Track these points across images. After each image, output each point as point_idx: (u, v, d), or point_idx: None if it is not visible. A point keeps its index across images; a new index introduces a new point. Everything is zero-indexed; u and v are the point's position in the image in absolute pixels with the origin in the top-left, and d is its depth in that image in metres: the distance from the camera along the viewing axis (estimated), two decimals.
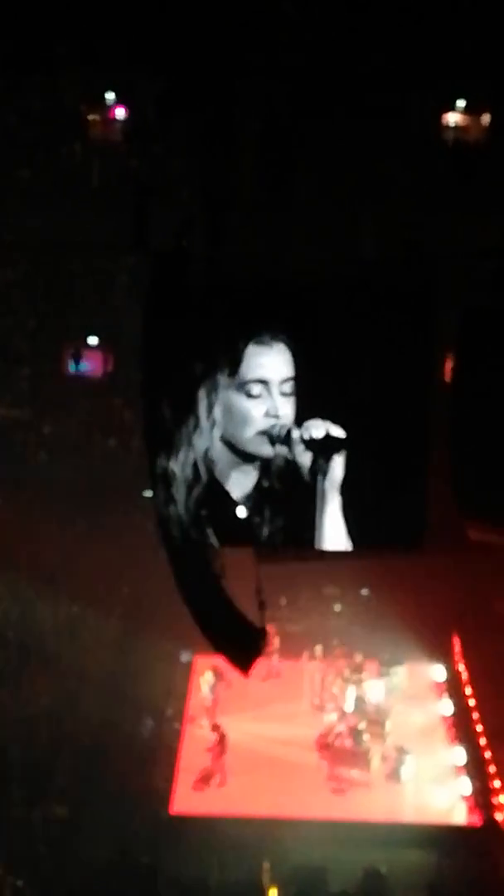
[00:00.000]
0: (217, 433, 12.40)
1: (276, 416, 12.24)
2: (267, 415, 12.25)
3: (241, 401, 12.27)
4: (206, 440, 12.49)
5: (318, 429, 12.09)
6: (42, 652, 25.72)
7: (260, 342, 12.21)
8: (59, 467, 28.90)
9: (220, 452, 12.50)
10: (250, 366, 12.20)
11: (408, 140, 23.35)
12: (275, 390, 12.22)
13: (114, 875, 19.41)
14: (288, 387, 12.25)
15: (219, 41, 22.86)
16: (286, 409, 12.25)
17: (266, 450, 12.38)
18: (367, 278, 12.67)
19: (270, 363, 12.18)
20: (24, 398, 30.08)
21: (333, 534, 12.59)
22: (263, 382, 12.19)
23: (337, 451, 12.11)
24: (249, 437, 12.36)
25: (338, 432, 12.04)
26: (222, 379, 12.21)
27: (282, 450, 12.27)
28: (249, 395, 12.18)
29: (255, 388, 12.18)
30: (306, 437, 12.12)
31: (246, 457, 12.45)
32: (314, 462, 12.25)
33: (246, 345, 12.11)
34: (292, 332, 12.21)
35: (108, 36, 26.83)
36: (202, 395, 12.23)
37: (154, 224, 22.97)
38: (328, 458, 12.20)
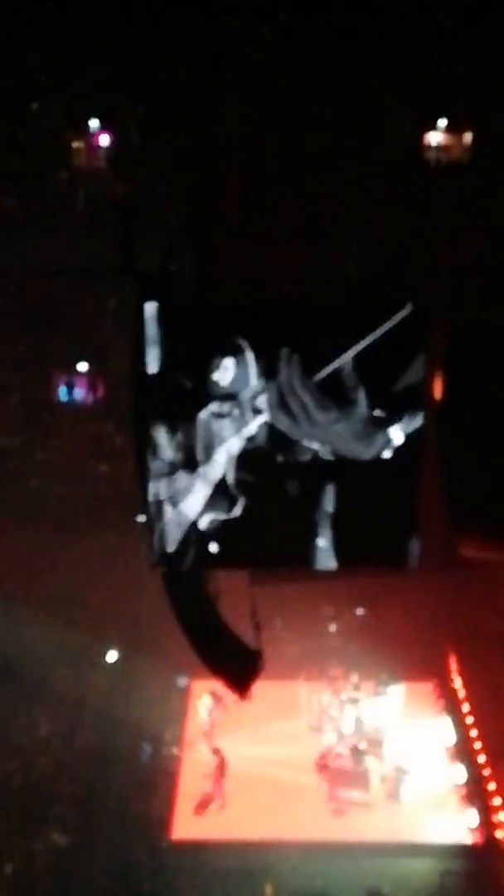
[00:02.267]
0: (216, 458, 12.44)
1: (248, 436, 12.28)
2: (238, 433, 12.28)
3: (212, 421, 12.31)
4: (203, 464, 12.52)
5: (317, 452, 12.15)
6: (39, 679, 25.63)
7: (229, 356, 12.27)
8: (52, 494, 28.85)
9: (209, 477, 12.53)
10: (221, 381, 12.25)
11: (391, 159, 23.45)
12: (246, 406, 12.26)
13: None
14: (261, 402, 12.29)
15: (200, 65, 22.96)
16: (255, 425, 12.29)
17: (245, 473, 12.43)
18: (353, 298, 12.74)
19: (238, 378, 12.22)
20: (16, 426, 30.04)
21: (326, 554, 12.62)
22: (233, 398, 12.24)
23: (337, 473, 12.17)
24: (223, 460, 12.39)
25: (326, 454, 12.09)
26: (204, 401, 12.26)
27: (278, 475, 12.33)
28: (219, 416, 12.22)
29: (225, 406, 12.23)
30: (304, 460, 12.18)
31: (241, 485, 12.50)
32: (313, 485, 12.31)
33: (221, 360, 12.15)
34: (279, 352, 12.25)
35: (89, 62, 26.91)
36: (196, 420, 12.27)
37: (141, 249, 23.05)
38: (327, 481, 12.26)
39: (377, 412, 12.30)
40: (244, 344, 12.15)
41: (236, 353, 12.16)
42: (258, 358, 12.26)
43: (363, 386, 12.31)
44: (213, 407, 12.32)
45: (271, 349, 12.25)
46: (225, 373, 12.23)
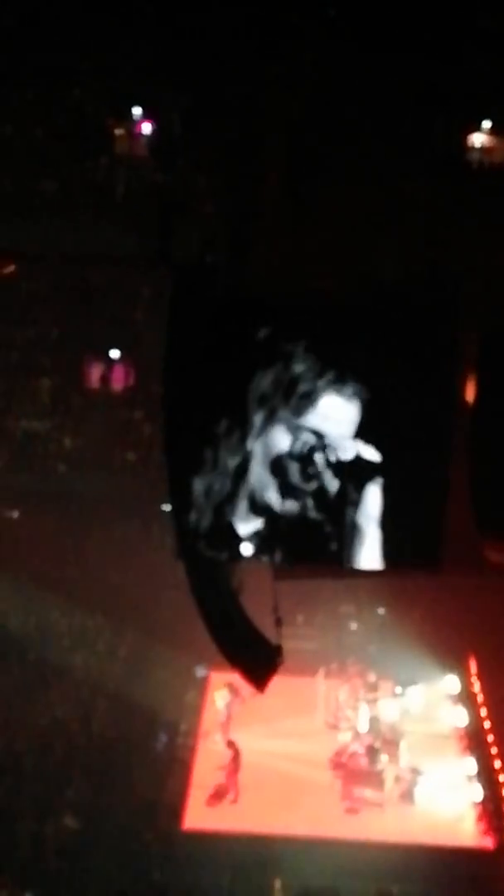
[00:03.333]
0: (249, 453, 12.45)
1: (305, 441, 12.30)
2: (294, 439, 12.31)
3: (260, 421, 12.34)
4: (235, 458, 12.52)
5: (347, 451, 12.16)
6: (57, 665, 25.76)
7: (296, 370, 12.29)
8: (79, 480, 28.96)
9: (244, 470, 12.54)
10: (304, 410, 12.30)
11: (432, 160, 23.39)
12: (295, 409, 12.28)
13: (126, 889, 19.39)
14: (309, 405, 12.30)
15: (244, 57, 22.95)
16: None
17: (290, 476, 12.42)
18: (390, 298, 12.69)
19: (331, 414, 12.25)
20: (45, 411, 30.17)
21: (358, 553, 12.62)
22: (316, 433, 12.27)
23: (366, 472, 12.16)
24: (275, 461, 12.42)
25: (369, 454, 12.12)
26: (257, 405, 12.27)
27: (307, 473, 12.32)
28: (268, 417, 12.24)
29: (273, 407, 12.25)
30: (334, 459, 12.17)
31: (271, 480, 12.49)
32: (342, 484, 12.30)
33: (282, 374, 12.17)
34: (314, 352, 12.24)
35: (134, 51, 26.99)
36: (235, 415, 12.27)
37: (178, 238, 23.08)
38: (357, 480, 12.26)
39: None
40: (297, 348, 12.17)
41: (288, 356, 12.18)
42: (307, 363, 12.26)
43: (394, 388, 12.28)
44: (262, 407, 12.33)
45: (318, 355, 12.26)
46: (299, 380, 12.27)
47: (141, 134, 29.35)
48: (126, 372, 30.29)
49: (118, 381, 30.41)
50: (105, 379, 30.38)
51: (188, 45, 25.59)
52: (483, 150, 27.32)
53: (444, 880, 20.49)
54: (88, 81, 28.75)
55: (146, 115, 29.24)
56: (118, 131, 29.45)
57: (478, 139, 27.36)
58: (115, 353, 30.22)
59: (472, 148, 27.23)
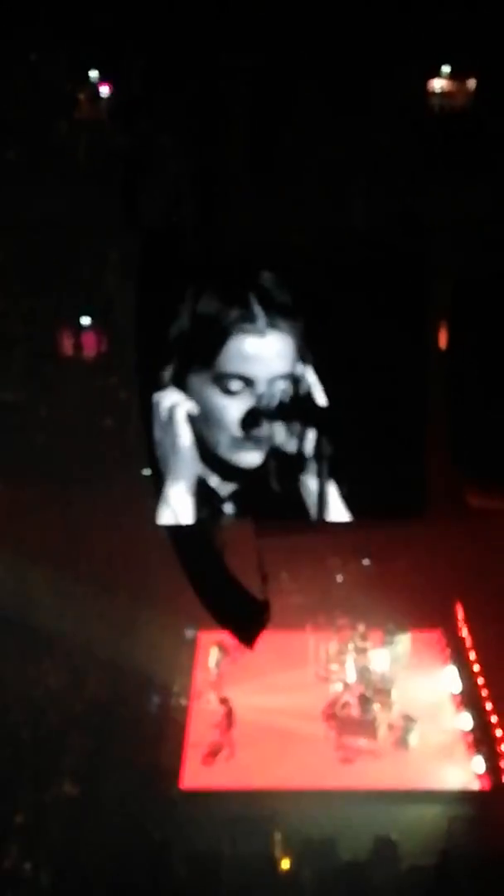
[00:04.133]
0: (226, 411, 12.37)
1: (259, 421, 12.21)
2: (249, 416, 12.20)
3: (217, 398, 12.24)
4: (211, 418, 12.45)
5: (325, 403, 12.11)
6: (47, 633, 25.74)
7: (249, 330, 12.16)
8: (57, 448, 28.84)
9: (221, 430, 12.48)
10: (232, 359, 12.15)
11: (395, 108, 23.21)
12: (262, 387, 12.16)
13: (126, 852, 19.49)
14: (281, 384, 12.21)
15: (202, 14, 22.67)
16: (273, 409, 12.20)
17: (247, 457, 12.36)
18: (360, 250, 12.61)
19: (261, 357, 12.10)
20: (20, 380, 29.98)
21: (340, 506, 12.60)
22: (246, 379, 12.13)
23: (344, 424, 12.13)
24: (225, 440, 12.33)
25: (348, 405, 12.09)
26: (198, 370, 12.16)
27: (286, 428, 12.26)
28: (228, 392, 12.13)
29: (235, 385, 12.13)
30: (313, 412, 12.13)
31: (249, 438, 12.42)
32: (321, 436, 12.25)
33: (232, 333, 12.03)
34: (284, 305, 12.15)
35: (90, 12, 26.62)
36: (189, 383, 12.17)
37: (144, 201, 22.88)
38: (335, 432, 12.21)
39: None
40: (268, 304, 12.04)
41: (261, 313, 12.06)
42: (280, 318, 12.15)
43: (369, 339, 12.21)
44: (236, 364, 12.22)
45: (277, 304, 12.13)
46: (272, 333, 12.13)
47: (100, 97, 29.00)
48: (98, 338, 30.09)
49: (91, 348, 30.22)
50: (78, 346, 30.18)
51: (143, 5, 25.25)
52: (444, 94, 27.10)
53: (442, 824, 20.68)
54: (44, 46, 28.35)
55: (104, 78, 28.88)
56: (77, 95, 29.10)
57: (438, 84, 27.14)
58: (86, 320, 30.01)
59: (433, 93, 27.01)
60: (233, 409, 12.41)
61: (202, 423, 12.43)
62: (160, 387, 12.46)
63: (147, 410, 12.65)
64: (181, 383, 12.36)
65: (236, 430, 12.40)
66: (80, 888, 18.80)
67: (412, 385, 12.37)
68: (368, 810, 20.93)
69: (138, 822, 20.42)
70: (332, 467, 12.60)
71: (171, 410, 12.43)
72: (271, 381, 12.23)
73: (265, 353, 12.21)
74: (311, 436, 12.44)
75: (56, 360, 30.24)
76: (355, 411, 12.32)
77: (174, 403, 12.39)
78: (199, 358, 12.31)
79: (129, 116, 27.98)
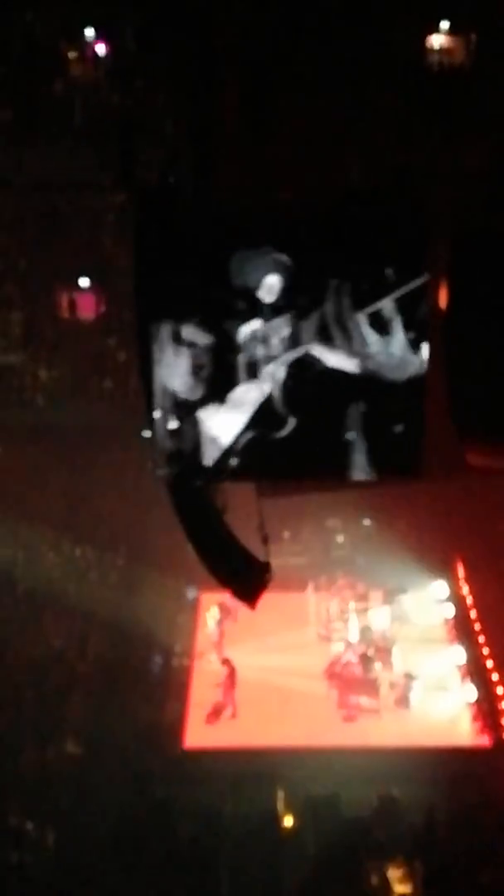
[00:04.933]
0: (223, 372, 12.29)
1: (280, 354, 12.13)
2: (254, 337, 12.13)
3: (256, 340, 12.16)
4: (210, 378, 12.37)
5: (323, 362, 12.04)
6: (50, 595, 25.81)
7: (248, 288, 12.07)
8: (58, 411, 28.78)
9: (220, 390, 12.41)
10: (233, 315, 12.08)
11: (393, 64, 22.95)
12: (264, 344, 12.10)
13: (130, 811, 19.61)
14: (282, 342, 12.14)
15: None
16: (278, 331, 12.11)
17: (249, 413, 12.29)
18: (357, 205, 12.47)
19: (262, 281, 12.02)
20: (18, 343, 29.87)
21: (339, 465, 12.55)
22: (247, 335, 12.06)
23: (342, 383, 12.06)
24: (250, 378, 12.28)
25: (345, 364, 12.01)
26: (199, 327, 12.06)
27: (285, 387, 12.19)
28: (264, 335, 12.08)
29: (271, 325, 12.06)
30: (311, 370, 12.06)
31: (248, 398, 12.34)
32: (319, 396, 12.18)
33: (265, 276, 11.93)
34: (284, 262, 12.04)
35: None
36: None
37: (140, 160, 22.66)
38: (333, 391, 12.14)
39: (413, 336, 12.11)
40: (288, 261, 11.93)
41: (281, 269, 11.94)
42: (303, 278, 12.02)
43: (365, 297, 12.10)
44: (257, 325, 12.14)
45: (317, 270, 12.03)
46: (270, 290, 12.02)
47: (95, 56, 28.71)
48: (97, 300, 29.95)
49: (90, 310, 30.08)
50: (76, 308, 30.05)
51: None
52: (443, 51, 26.82)
53: (444, 780, 20.80)
54: (39, 5, 28.03)
55: (99, 37, 28.58)
56: (71, 54, 28.80)
57: (437, 41, 26.85)
58: (84, 282, 29.87)
59: (432, 50, 26.73)
60: (234, 364, 12.32)
61: (203, 379, 12.35)
62: (160, 346, 12.35)
63: (147, 370, 12.55)
64: (180, 341, 12.26)
65: (238, 386, 12.33)
66: (84, 846, 18.93)
67: (410, 345, 12.28)
68: (370, 768, 21.05)
69: (141, 782, 20.54)
70: (331, 427, 12.53)
71: (174, 367, 12.34)
72: (272, 339, 12.17)
73: (265, 311, 12.13)
74: (313, 396, 12.38)
75: (55, 322, 30.11)
76: (353, 371, 12.22)
77: (176, 361, 12.31)
78: (199, 315, 12.20)
79: (124, 75, 27.70)
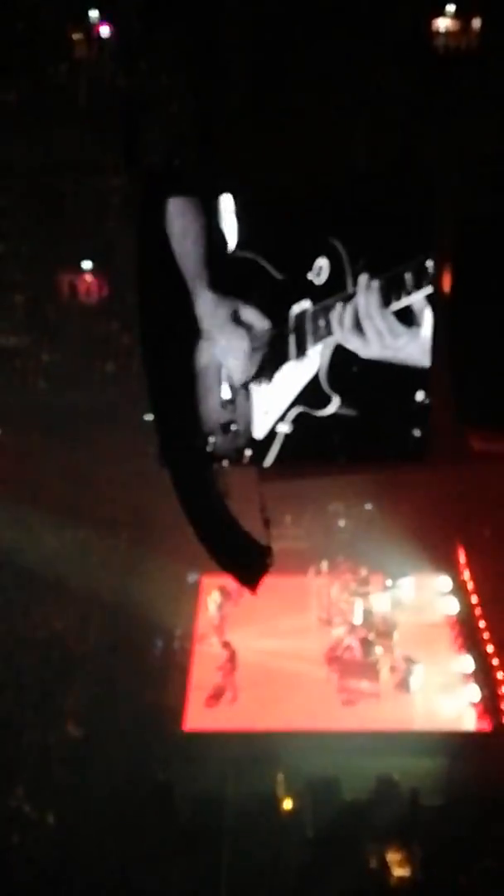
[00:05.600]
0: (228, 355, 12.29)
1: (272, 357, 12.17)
2: (303, 318, 12.16)
3: (306, 320, 12.20)
4: (214, 361, 12.35)
5: (328, 345, 12.05)
6: (51, 578, 25.78)
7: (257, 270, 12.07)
8: (60, 394, 28.71)
9: (223, 373, 12.39)
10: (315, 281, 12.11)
11: (399, 47, 22.83)
12: (271, 325, 12.12)
13: (130, 793, 19.62)
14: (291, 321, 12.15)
15: None
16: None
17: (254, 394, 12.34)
18: (363, 187, 12.41)
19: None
20: (21, 326, 29.79)
21: (342, 449, 12.55)
22: (254, 316, 12.06)
23: (346, 366, 12.06)
24: (254, 360, 12.27)
25: (351, 346, 12.06)
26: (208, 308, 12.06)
27: (288, 370, 12.19)
28: (239, 327, 12.07)
29: (245, 320, 12.06)
30: (314, 353, 12.06)
31: (251, 381, 12.35)
32: (322, 379, 12.20)
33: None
34: (290, 244, 12.00)
35: None
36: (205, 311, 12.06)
37: (144, 141, 22.56)
38: (337, 374, 12.16)
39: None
40: (338, 245, 11.94)
41: (330, 253, 11.97)
42: (283, 257, 12.02)
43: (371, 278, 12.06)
44: (307, 304, 12.16)
45: (294, 248, 12.02)
46: (320, 273, 12.05)
47: (99, 37, 28.57)
48: (100, 283, 29.85)
49: (92, 293, 30.00)
50: (79, 291, 29.97)
51: None
52: (448, 34, 26.70)
53: (443, 764, 20.82)
54: None
55: (103, 18, 28.42)
56: (76, 36, 28.64)
57: (442, 24, 26.73)
58: (87, 265, 29.77)
59: (438, 33, 26.61)
60: (285, 343, 12.34)
61: (258, 358, 12.36)
62: (164, 329, 12.31)
63: (150, 353, 12.50)
64: (239, 322, 12.27)
65: (245, 367, 12.31)
66: (85, 828, 18.95)
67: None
68: (370, 751, 21.07)
69: (142, 764, 20.55)
70: (335, 412, 12.51)
71: (178, 349, 12.31)
72: (320, 320, 12.20)
73: (315, 292, 12.16)
74: (315, 380, 12.36)
75: (57, 305, 30.03)
76: (357, 354, 12.20)
77: (181, 343, 12.28)
78: (207, 296, 12.16)
79: (129, 56, 27.57)
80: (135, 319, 12.84)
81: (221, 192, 11.97)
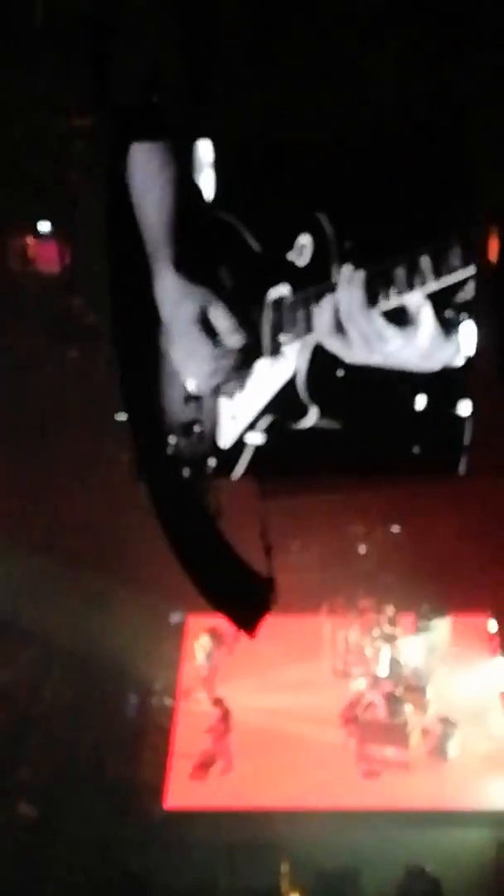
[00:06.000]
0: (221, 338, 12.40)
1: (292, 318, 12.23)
2: (279, 306, 12.24)
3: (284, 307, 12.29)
4: (203, 347, 12.44)
5: (348, 324, 12.15)
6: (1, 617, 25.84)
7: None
8: (11, 387, 28.77)
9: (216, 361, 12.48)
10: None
11: None
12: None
13: (96, 887, 19.66)
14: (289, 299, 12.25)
15: None
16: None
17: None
18: (387, 132, 12.50)
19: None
20: None
21: (364, 458, 12.64)
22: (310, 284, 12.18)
23: (366, 353, 12.15)
24: (256, 347, 12.37)
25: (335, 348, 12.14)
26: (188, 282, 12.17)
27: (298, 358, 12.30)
28: (294, 303, 12.21)
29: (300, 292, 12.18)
30: (329, 339, 12.15)
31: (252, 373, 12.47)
32: (339, 371, 12.29)
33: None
34: (297, 209, 12.10)
35: None
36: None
37: (116, 75, 22.61)
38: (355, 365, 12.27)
39: (447, 314, 12.20)
40: (323, 219, 12.03)
41: (314, 229, 12.04)
42: (288, 222, 12.14)
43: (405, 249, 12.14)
44: (285, 290, 12.24)
45: (301, 214, 12.15)
46: (302, 251, 12.14)
47: None
48: (60, 248, 29.93)
49: (51, 261, 30.07)
50: (34, 259, 30.05)
51: None
52: None
53: (489, 853, 20.84)
54: None
55: None
56: None
57: None
58: (44, 226, 29.85)
59: None
60: (258, 336, 12.43)
61: (225, 351, 12.44)
62: (139, 306, 12.40)
63: (123, 336, 12.59)
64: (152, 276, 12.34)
65: (259, 361, 12.42)
66: None
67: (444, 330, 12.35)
68: (397, 836, 21.11)
69: (112, 850, 20.59)
70: (354, 411, 12.60)
71: (160, 328, 12.40)
72: (299, 310, 12.28)
73: (295, 275, 12.26)
74: (331, 371, 12.47)
75: (7, 277, 30.11)
76: (383, 340, 12.27)
77: (163, 318, 12.37)
78: (188, 268, 12.26)
79: None
80: (103, 294, 12.92)
81: (202, 136, 12.08)
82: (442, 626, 26.39)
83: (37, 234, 29.87)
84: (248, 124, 13.07)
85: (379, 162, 12.22)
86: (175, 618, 27.09)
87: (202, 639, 25.40)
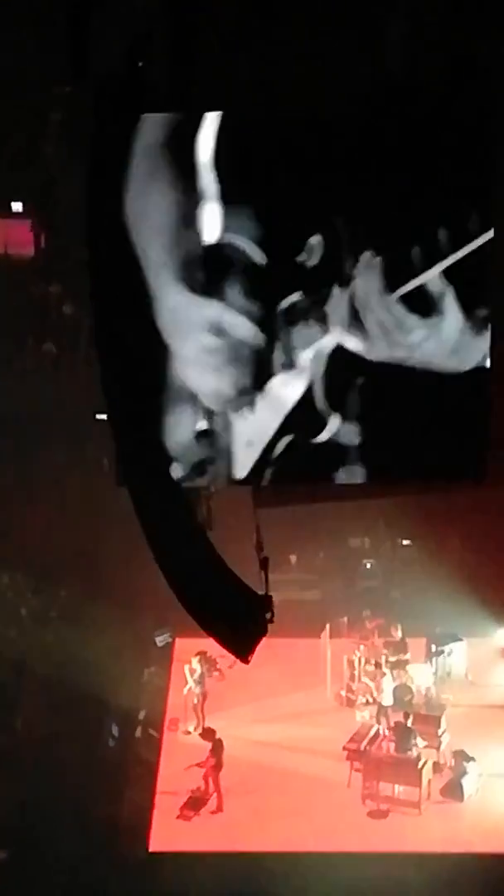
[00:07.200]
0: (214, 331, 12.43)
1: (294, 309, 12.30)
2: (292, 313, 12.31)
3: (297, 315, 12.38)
4: (193, 339, 12.48)
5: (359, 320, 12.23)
6: None
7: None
8: None
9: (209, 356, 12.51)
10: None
11: None
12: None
13: None
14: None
15: None
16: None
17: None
18: (403, 106, 12.53)
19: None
20: None
21: (370, 464, 12.66)
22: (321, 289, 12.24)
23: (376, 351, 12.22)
24: (254, 340, 12.42)
25: (354, 345, 12.16)
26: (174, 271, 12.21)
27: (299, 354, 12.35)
28: (305, 309, 12.28)
29: (312, 298, 12.23)
30: (337, 334, 12.19)
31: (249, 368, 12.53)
32: (344, 370, 12.34)
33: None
34: (298, 191, 12.14)
35: None
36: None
37: (97, 41, 22.64)
38: (362, 365, 12.30)
39: (479, 311, 12.28)
40: (336, 219, 12.10)
41: (325, 228, 12.12)
42: (287, 205, 12.19)
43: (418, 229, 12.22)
44: (296, 297, 12.32)
45: (304, 197, 12.20)
46: (311, 254, 12.21)
47: None
48: (34, 231, 30.01)
49: (24, 244, 30.15)
50: (7, 242, 30.13)
51: None
52: None
53: None
54: None
55: None
56: None
57: None
58: (17, 206, 29.92)
59: None
60: (270, 348, 12.48)
61: (235, 369, 12.51)
62: (123, 296, 12.41)
63: (104, 329, 12.59)
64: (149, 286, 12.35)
65: (274, 377, 12.46)
66: None
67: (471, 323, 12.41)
68: (407, 881, 21.08)
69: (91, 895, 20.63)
70: (360, 414, 12.64)
71: (142, 325, 12.41)
72: (312, 315, 12.34)
73: (307, 279, 12.31)
74: (335, 369, 12.52)
75: None
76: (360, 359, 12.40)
77: (144, 318, 12.38)
78: (177, 254, 12.29)
79: None
80: (83, 282, 12.93)
81: (194, 108, 12.14)
82: (457, 650, 26.41)
83: (10, 214, 29.95)
84: (244, 98, 13.09)
85: (385, 139, 12.27)
86: (161, 639, 27.11)
87: (192, 663, 25.38)
